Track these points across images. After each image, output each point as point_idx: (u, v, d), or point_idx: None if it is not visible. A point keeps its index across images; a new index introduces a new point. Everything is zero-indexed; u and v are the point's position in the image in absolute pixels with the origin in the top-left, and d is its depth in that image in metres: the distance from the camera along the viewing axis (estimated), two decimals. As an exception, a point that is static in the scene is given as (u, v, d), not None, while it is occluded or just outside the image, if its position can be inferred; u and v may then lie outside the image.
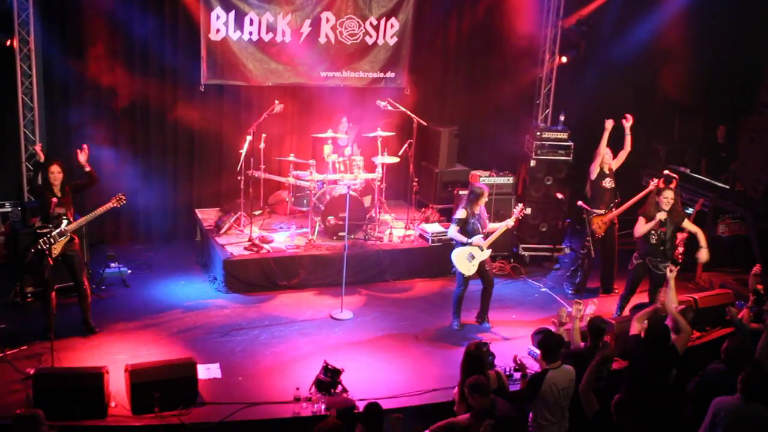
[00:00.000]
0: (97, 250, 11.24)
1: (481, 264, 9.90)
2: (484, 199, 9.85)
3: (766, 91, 12.01)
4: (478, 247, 9.74)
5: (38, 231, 8.86)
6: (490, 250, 9.95)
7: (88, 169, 9.22)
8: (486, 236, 9.80)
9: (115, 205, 9.18)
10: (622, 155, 11.10)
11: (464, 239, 9.77)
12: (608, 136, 10.97)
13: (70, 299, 9.52)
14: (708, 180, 12.33)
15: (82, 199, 10.09)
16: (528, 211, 12.48)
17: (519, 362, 7.94)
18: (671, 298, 8.26)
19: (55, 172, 9.01)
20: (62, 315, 9.22)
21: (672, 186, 10.14)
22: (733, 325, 8.75)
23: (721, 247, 11.89)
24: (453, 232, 9.93)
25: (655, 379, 7.43)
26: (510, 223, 9.95)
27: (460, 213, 9.87)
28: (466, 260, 9.82)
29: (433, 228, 11.87)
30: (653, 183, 10.79)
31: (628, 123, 10.97)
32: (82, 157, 9.20)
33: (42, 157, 9.09)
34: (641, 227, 9.89)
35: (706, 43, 12.89)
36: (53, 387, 7.43)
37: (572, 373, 7.06)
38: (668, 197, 9.80)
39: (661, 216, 9.76)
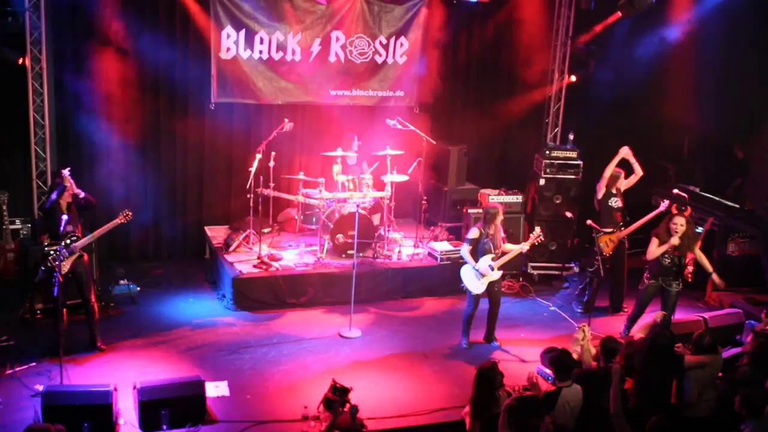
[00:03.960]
0: (106, 267, 11.25)
1: (491, 284, 9.88)
2: (500, 218, 9.83)
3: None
4: (489, 267, 9.72)
5: (48, 248, 8.89)
6: (501, 272, 9.93)
7: (81, 195, 9.23)
8: (498, 257, 9.79)
9: (121, 221, 9.21)
10: (633, 179, 11.12)
11: (472, 262, 9.78)
12: (618, 160, 10.98)
13: (79, 316, 9.52)
14: (718, 199, 12.29)
15: (92, 216, 10.11)
16: (537, 230, 12.46)
17: (534, 380, 7.91)
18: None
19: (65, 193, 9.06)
20: (71, 332, 9.25)
21: (686, 213, 10.09)
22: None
23: (731, 266, 11.86)
24: (464, 251, 9.94)
25: (661, 387, 7.50)
26: (525, 247, 9.92)
27: (473, 233, 9.88)
28: (474, 278, 9.81)
29: (442, 246, 11.85)
30: (664, 204, 10.80)
31: (627, 155, 11.01)
32: (67, 182, 9.13)
33: (69, 183, 9.09)
34: (654, 250, 9.85)
35: (716, 61, 12.88)
36: (62, 404, 7.44)
37: (581, 392, 7.12)
38: (679, 223, 9.76)
39: (675, 241, 9.75)
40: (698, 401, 7.62)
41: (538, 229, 10.07)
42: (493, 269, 9.77)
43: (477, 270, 9.77)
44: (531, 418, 6.34)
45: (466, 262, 9.91)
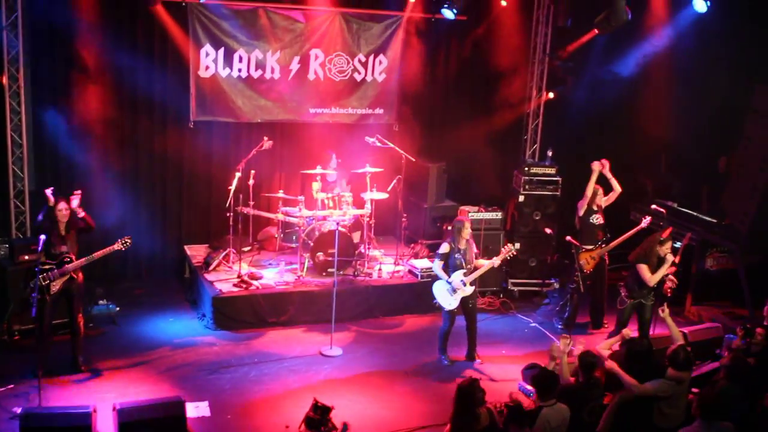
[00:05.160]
0: (85, 287, 11.13)
1: (465, 299, 9.89)
2: (467, 231, 9.84)
3: (752, 124, 12.12)
4: (461, 282, 9.74)
5: (38, 267, 8.81)
6: (474, 287, 9.95)
7: (82, 215, 9.18)
8: (470, 272, 9.80)
9: (119, 248, 9.16)
10: (612, 196, 11.18)
11: (444, 276, 9.79)
12: (596, 177, 11.05)
13: (59, 337, 9.45)
14: (695, 214, 12.38)
15: (82, 238, 10.01)
16: (517, 246, 12.48)
17: (514, 399, 7.92)
18: (675, 334, 8.52)
19: (63, 209, 9.00)
20: (50, 353, 9.14)
21: (667, 233, 10.15)
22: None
23: (709, 281, 11.95)
24: (435, 267, 9.96)
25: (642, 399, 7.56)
26: (496, 262, 9.97)
27: (443, 248, 9.90)
28: (447, 294, 9.82)
29: (423, 264, 11.87)
30: (645, 220, 10.88)
31: (604, 169, 11.07)
32: (75, 202, 9.14)
33: (51, 201, 9.02)
34: (653, 276, 9.87)
35: (693, 77, 13.01)
36: (40, 427, 7.36)
37: (566, 411, 7.07)
38: (667, 247, 9.91)
39: (672, 260, 9.93)
40: (669, 414, 7.66)
41: (510, 245, 10.11)
42: (465, 284, 9.79)
43: (450, 284, 9.78)
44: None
45: (438, 278, 9.92)
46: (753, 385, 7.68)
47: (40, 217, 9.10)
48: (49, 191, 9.07)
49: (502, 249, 10.11)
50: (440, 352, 10.13)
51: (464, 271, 9.76)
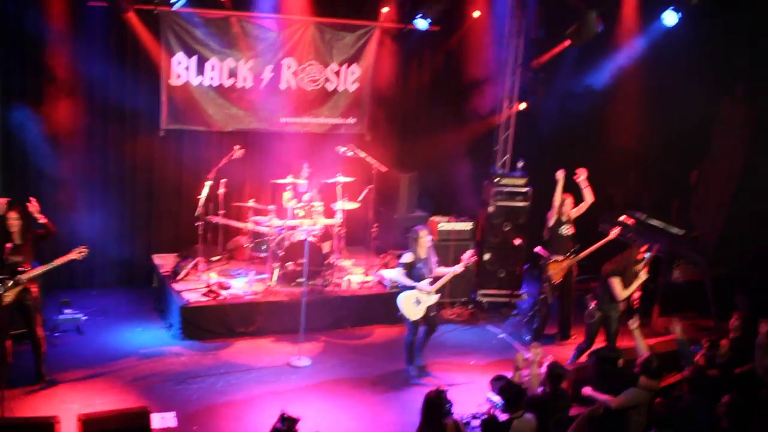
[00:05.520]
0: (51, 295, 11.03)
1: (428, 309, 9.91)
2: (425, 241, 9.83)
3: (718, 138, 12.26)
4: (425, 291, 9.76)
5: None
6: (438, 295, 9.98)
7: (43, 221, 9.08)
8: (434, 281, 9.83)
9: (75, 257, 9.04)
10: (583, 206, 11.22)
11: (410, 283, 9.80)
12: (562, 186, 11.11)
13: (22, 347, 9.36)
14: (663, 226, 12.48)
15: (42, 247, 9.89)
16: (487, 257, 12.57)
17: (490, 413, 7.97)
18: (641, 347, 8.51)
19: (12, 219, 8.89)
20: (14, 363, 9.04)
21: (643, 250, 10.22)
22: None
23: (676, 292, 12.05)
24: (398, 275, 9.95)
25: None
26: (458, 269, 10.00)
27: (406, 257, 9.90)
28: (412, 305, 9.84)
29: (392, 274, 11.85)
30: (614, 231, 10.95)
31: (580, 178, 11.12)
32: (33, 208, 9.05)
33: (2, 210, 8.95)
34: (624, 291, 9.92)
35: (661, 90, 13.13)
36: (2, 438, 7.30)
37: (534, 422, 7.11)
38: (642, 264, 10.01)
39: (645, 277, 10.03)
40: (637, 422, 7.72)
41: (470, 251, 10.14)
42: (430, 293, 9.81)
43: (418, 290, 9.78)
44: None
45: (402, 289, 9.92)
46: (717, 397, 7.75)
47: None
48: (2, 201, 8.99)
49: (463, 256, 10.12)
50: (407, 363, 10.14)
51: (429, 280, 9.80)
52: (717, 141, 12.40)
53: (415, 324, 9.93)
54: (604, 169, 13.75)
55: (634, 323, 8.82)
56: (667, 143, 13.25)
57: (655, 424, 6.88)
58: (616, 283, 9.89)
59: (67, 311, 10.81)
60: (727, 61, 12.11)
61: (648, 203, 13.60)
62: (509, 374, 8.36)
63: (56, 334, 10.41)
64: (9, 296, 8.77)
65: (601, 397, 7.70)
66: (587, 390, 7.87)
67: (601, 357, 8.06)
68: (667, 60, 12.83)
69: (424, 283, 9.77)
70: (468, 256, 10.07)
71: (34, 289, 9.14)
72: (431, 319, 10.06)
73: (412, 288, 9.79)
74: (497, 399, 7.76)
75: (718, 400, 7.37)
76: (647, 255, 10.28)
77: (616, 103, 13.80)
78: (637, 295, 10.63)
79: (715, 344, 9.01)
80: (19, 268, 8.83)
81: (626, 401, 7.62)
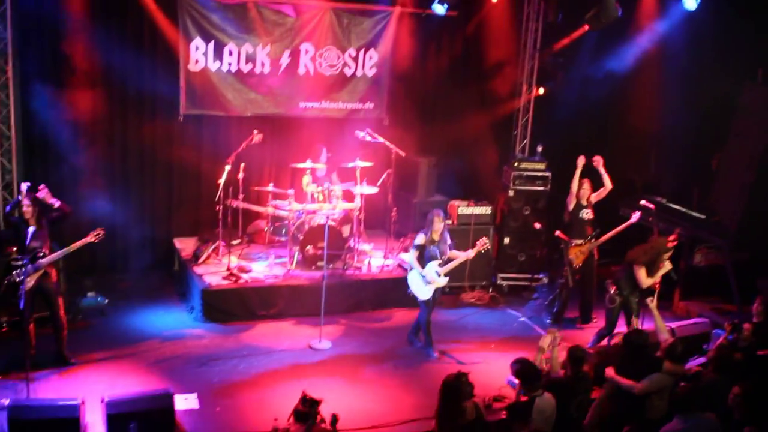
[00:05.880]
0: (74, 280, 11.12)
1: (435, 291, 9.96)
2: (439, 224, 9.86)
3: (740, 122, 12.17)
4: (435, 273, 9.78)
5: (12, 263, 8.78)
6: (447, 279, 10.00)
7: (56, 203, 9.12)
8: (444, 263, 9.83)
9: (92, 240, 9.07)
10: (603, 192, 11.21)
11: (418, 266, 9.85)
12: (580, 172, 11.08)
13: (46, 329, 9.40)
14: (684, 210, 12.41)
15: (61, 231, 9.93)
16: (507, 241, 12.57)
17: (501, 395, 7.96)
18: (660, 328, 8.46)
19: (25, 205, 8.92)
20: (39, 345, 9.12)
21: (673, 239, 10.16)
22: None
23: (697, 277, 11.99)
24: (410, 257, 10.01)
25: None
26: (470, 255, 10.01)
27: (419, 239, 9.97)
28: (422, 284, 9.88)
29: (407, 256, 11.87)
30: (635, 215, 10.89)
31: (598, 165, 11.09)
32: (42, 194, 9.07)
33: (22, 195, 8.98)
34: (648, 279, 9.84)
35: (682, 74, 13.04)
36: (28, 419, 7.35)
37: (553, 401, 7.14)
38: (669, 254, 9.93)
39: (670, 266, 9.93)
40: (658, 406, 7.71)
41: (485, 239, 10.13)
42: (439, 275, 9.84)
43: (423, 276, 9.81)
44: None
45: (413, 268, 9.97)
46: (740, 379, 7.73)
47: (8, 209, 9.13)
48: (24, 186, 9.04)
49: (477, 242, 10.11)
50: (426, 345, 10.16)
51: (439, 262, 9.83)
52: (738, 125, 12.29)
53: (427, 303, 9.99)
54: (625, 153, 13.72)
55: (652, 301, 8.80)
56: (688, 128, 13.17)
57: (675, 407, 6.84)
58: (641, 271, 9.82)
59: (90, 294, 10.88)
60: (749, 45, 11.99)
61: (669, 188, 13.52)
62: (530, 357, 8.37)
63: (80, 317, 10.47)
64: (30, 281, 8.82)
65: (625, 381, 7.69)
66: (610, 372, 7.86)
67: (630, 340, 8.00)
68: (687, 44, 12.73)
69: (432, 269, 9.81)
70: (481, 243, 10.04)
71: (54, 273, 9.20)
72: (434, 301, 10.13)
73: (421, 274, 9.86)
74: (517, 382, 7.76)
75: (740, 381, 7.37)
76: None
77: (636, 88, 13.71)
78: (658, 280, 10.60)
79: (737, 328, 8.96)
80: (39, 253, 8.87)
81: (650, 386, 7.60)
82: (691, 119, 13.01)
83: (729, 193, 12.12)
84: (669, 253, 9.95)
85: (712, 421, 6.77)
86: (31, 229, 8.73)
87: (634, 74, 13.46)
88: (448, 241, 10.07)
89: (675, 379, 7.76)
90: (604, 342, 10.04)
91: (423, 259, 9.89)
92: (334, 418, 7.07)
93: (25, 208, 8.91)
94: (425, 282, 9.88)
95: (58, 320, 9.20)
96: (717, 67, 12.43)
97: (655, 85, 13.43)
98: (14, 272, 8.75)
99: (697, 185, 13.24)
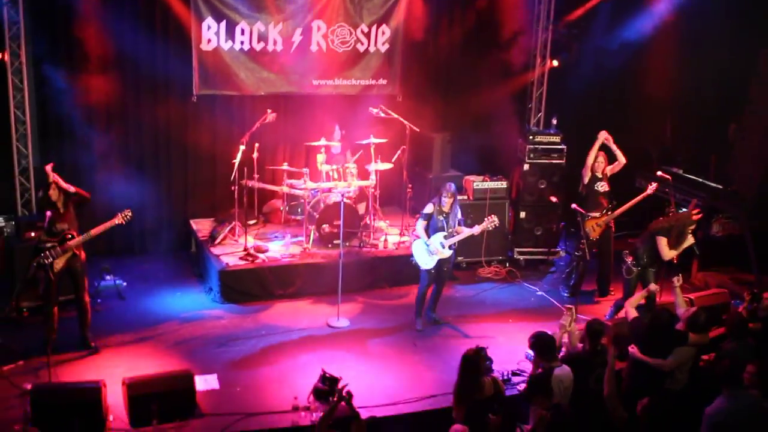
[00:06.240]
0: (91, 262, 11.14)
1: (441, 262, 9.95)
2: (447, 198, 9.82)
3: (756, 91, 12.05)
4: (440, 244, 9.79)
5: (41, 245, 8.83)
6: (451, 252, 9.98)
7: (72, 190, 9.09)
8: (450, 236, 9.82)
9: (119, 221, 9.10)
10: (617, 166, 11.13)
11: (424, 237, 9.86)
12: (599, 145, 11.00)
13: (66, 313, 9.48)
14: (701, 180, 12.34)
15: (87, 214, 9.93)
16: (523, 215, 12.53)
17: (520, 370, 7.97)
18: (680, 303, 8.50)
19: (53, 188, 8.96)
20: (59, 329, 9.17)
21: (696, 212, 10.09)
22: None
23: (715, 247, 11.93)
24: (418, 226, 10.04)
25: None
26: (476, 230, 9.95)
27: (427, 208, 10.00)
28: (425, 253, 9.88)
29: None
30: (651, 186, 10.81)
31: (609, 141, 11.04)
32: (56, 181, 9.05)
33: (51, 177, 9.01)
34: (670, 252, 9.82)
35: (697, 43, 12.92)
36: (51, 402, 7.44)
37: (571, 373, 7.17)
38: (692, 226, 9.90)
39: (693, 240, 9.90)
40: (680, 378, 7.70)
41: (493, 216, 10.07)
42: (444, 247, 9.83)
43: (427, 245, 9.81)
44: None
45: (418, 237, 9.98)
46: (761, 348, 7.71)
47: (41, 193, 9.15)
48: (48, 167, 9.07)
49: (485, 219, 10.06)
50: (416, 315, 10.28)
51: (445, 234, 9.82)
52: (754, 93, 12.18)
53: (429, 274, 9.99)
54: (640, 124, 13.62)
55: (678, 281, 8.76)
56: (704, 97, 13.07)
57: (723, 382, 6.64)
58: (663, 243, 9.77)
59: (108, 277, 10.94)
60: (765, 12, 11.85)
61: (685, 158, 13.43)
62: (549, 331, 8.37)
63: (98, 300, 10.53)
64: (59, 263, 8.89)
65: (652, 360, 7.65)
66: (634, 350, 7.82)
67: (657, 316, 7.95)
68: (703, 12, 12.59)
69: (437, 239, 9.80)
70: (489, 221, 9.97)
71: (83, 255, 9.24)
72: (443, 273, 10.14)
73: (426, 243, 9.86)
74: (533, 354, 7.78)
75: (763, 352, 7.35)
76: (683, 209, 10.18)
77: (651, 58, 13.58)
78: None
79: (757, 297, 8.95)
80: (67, 235, 8.91)
81: (678, 361, 7.60)
82: (708, 88, 12.90)
83: (747, 161, 12.04)
84: (693, 226, 9.89)
85: (759, 399, 6.63)
86: (48, 213, 8.76)
87: (648, 44, 13.33)
88: (459, 216, 10.05)
89: (696, 349, 7.75)
90: (622, 313, 10.01)
91: (430, 229, 9.91)
92: (349, 395, 7.07)
93: (52, 190, 8.95)
94: (429, 252, 9.88)
95: (83, 303, 9.25)
96: (733, 35, 12.30)
97: (670, 54, 13.30)
98: (42, 254, 8.79)
99: (714, 154, 13.15)
